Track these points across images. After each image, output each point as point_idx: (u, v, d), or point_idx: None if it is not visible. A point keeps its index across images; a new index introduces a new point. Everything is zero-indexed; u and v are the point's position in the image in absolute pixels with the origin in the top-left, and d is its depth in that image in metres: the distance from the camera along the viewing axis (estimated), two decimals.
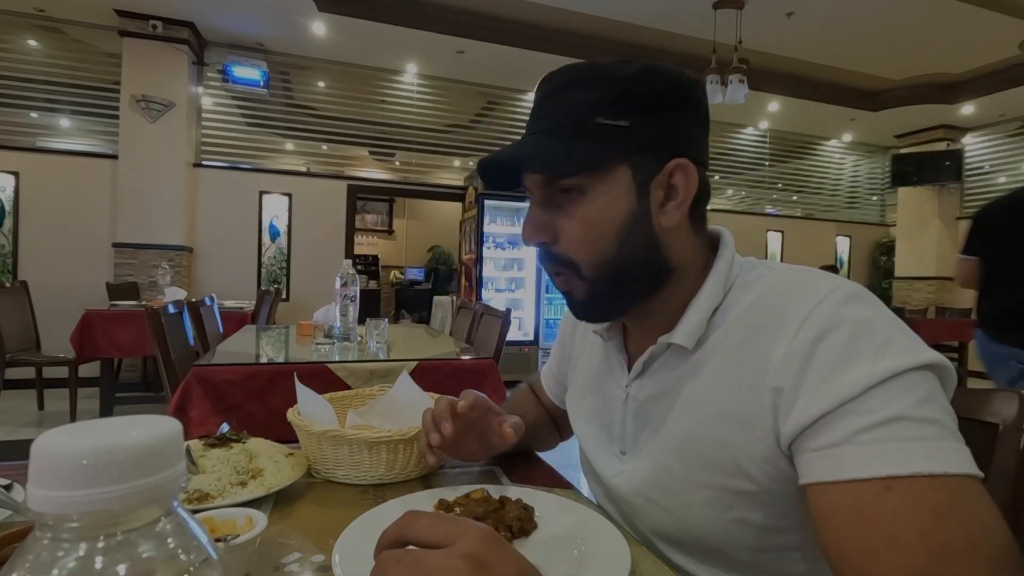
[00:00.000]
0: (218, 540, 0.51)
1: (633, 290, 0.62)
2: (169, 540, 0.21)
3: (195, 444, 0.74)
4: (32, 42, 4.87)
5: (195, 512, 0.56)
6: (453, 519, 0.39)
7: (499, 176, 0.64)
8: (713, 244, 0.66)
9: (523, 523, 0.60)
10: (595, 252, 0.59)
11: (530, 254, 5.68)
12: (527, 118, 0.63)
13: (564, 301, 0.67)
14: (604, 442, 0.71)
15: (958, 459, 0.44)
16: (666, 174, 0.59)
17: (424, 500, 0.67)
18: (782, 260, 4.22)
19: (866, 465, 0.44)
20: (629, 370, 0.68)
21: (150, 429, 0.21)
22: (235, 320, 3.55)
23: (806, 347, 0.50)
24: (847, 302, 0.51)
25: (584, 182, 0.58)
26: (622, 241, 0.59)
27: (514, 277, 5.83)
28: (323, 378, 1.74)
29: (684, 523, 0.60)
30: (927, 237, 7.11)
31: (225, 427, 0.82)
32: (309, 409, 0.84)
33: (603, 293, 0.61)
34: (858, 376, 0.47)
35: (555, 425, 0.95)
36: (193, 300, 2.76)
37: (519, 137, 0.64)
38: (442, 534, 0.37)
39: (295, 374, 0.94)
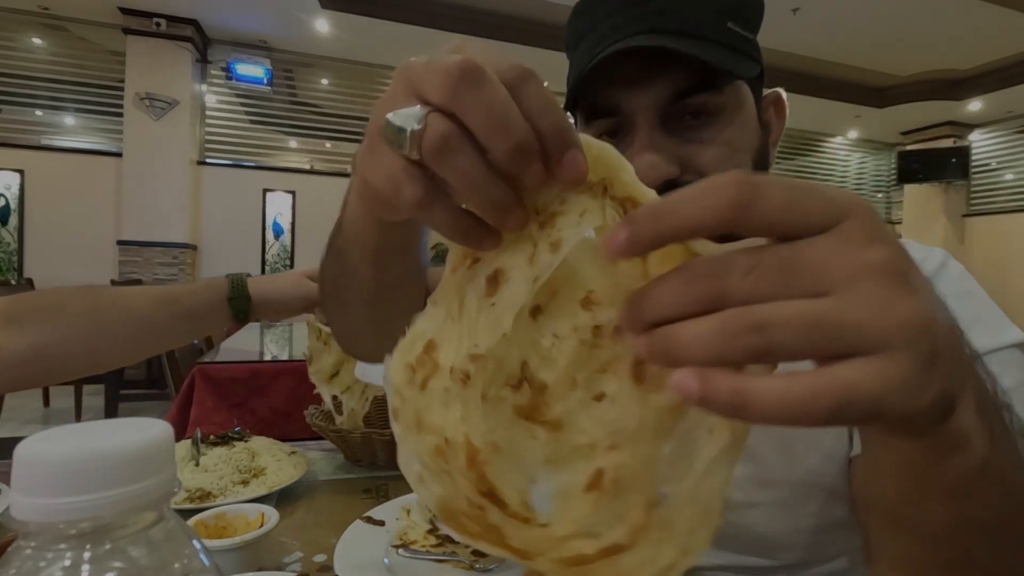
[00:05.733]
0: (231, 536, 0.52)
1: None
2: (160, 548, 0.21)
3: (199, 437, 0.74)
4: (36, 40, 4.88)
5: (207, 509, 0.56)
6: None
7: (602, 85, 0.48)
8: None
9: None
10: None
11: None
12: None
13: None
14: None
15: None
16: (766, 104, 0.54)
17: None
18: None
19: None
20: None
21: (139, 433, 0.21)
22: None
23: None
24: (959, 275, 0.48)
25: (722, 101, 0.48)
26: (757, 172, 0.49)
27: None
28: None
29: (745, 518, 0.52)
30: (933, 235, 7.05)
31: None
32: None
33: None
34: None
35: None
36: None
37: None
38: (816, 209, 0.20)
39: None
